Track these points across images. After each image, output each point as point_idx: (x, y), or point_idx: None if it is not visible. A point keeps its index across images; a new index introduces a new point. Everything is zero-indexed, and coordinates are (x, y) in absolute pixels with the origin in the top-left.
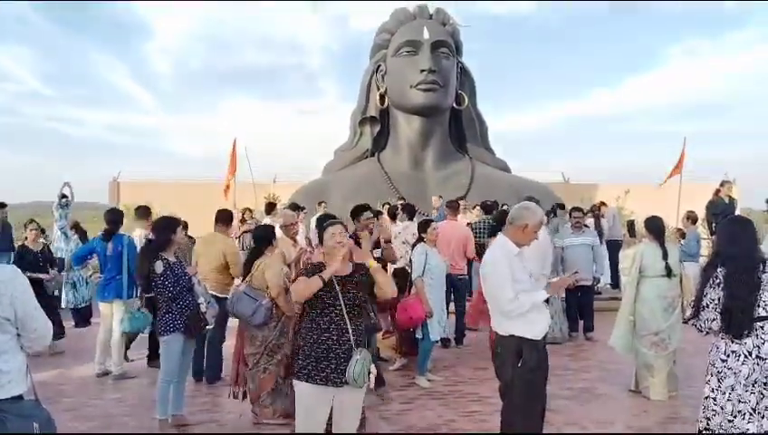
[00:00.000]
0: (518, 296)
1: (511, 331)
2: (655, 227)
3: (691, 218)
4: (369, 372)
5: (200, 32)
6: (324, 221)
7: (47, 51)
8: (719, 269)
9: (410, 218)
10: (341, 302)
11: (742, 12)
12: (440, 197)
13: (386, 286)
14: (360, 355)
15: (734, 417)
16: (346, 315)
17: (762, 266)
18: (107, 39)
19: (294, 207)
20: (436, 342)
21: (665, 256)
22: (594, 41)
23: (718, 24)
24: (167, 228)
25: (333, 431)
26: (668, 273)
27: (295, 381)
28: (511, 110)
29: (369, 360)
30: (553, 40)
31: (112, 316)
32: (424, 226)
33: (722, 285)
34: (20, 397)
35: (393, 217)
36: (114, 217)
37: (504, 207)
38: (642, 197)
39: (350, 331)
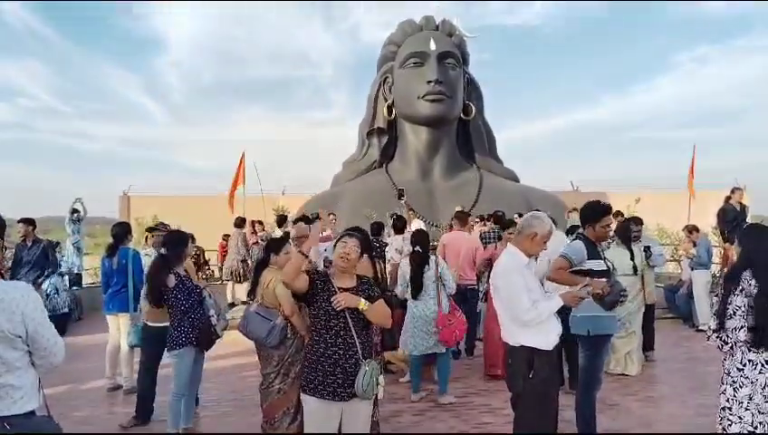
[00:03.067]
0: (536, 305)
1: (522, 341)
2: (623, 234)
3: (689, 229)
4: (378, 383)
5: (212, 45)
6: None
7: (61, 66)
8: (746, 276)
9: (400, 232)
10: (346, 314)
11: (751, 17)
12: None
13: (381, 322)
14: (368, 367)
15: (756, 428)
16: (353, 328)
17: None
18: (120, 54)
19: (306, 219)
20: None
21: (632, 257)
22: (604, 49)
23: (728, 31)
24: (179, 242)
25: None
26: (634, 271)
27: (303, 396)
28: (521, 118)
29: (377, 370)
30: (563, 49)
31: (119, 330)
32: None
33: (749, 294)
34: (32, 412)
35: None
36: (119, 230)
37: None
38: (653, 204)
39: (358, 344)
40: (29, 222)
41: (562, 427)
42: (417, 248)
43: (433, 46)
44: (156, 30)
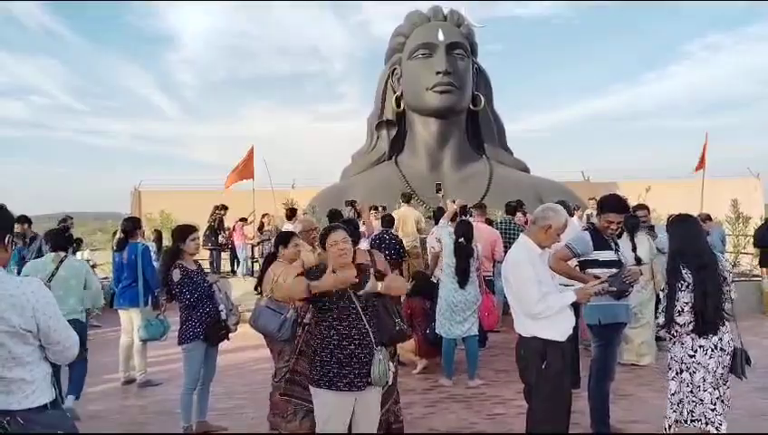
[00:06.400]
0: (546, 298)
1: (534, 333)
2: (629, 225)
3: (702, 218)
4: (389, 369)
5: (224, 41)
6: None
7: (74, 64)
8: (684, 271)
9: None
10: (357, 305)
11: (763, 5)
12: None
13: (399, 289)
14: (381, 355)
15: (715, 405)
16: (364, 318)
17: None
18: (134, 51)
19: (337, 213)
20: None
21: (634, 248)
22: (614, 39)
23: (739, 18)
24: (178, 237)
25: (353, 432)
26: (638, 262)
27: (315, 390)
28: (533, 109)
29: (388, 357)
30: (575, 39)
31: (131, 324)
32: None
33: (691, 287)
34: (45, 407)
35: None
36: (129, 225)
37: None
38: (664, 193)
39: (371, 332)
40: (24, 220)
41: (575, 418)
42: (462, 240)
43: (441, 37)
44: (169, 27)
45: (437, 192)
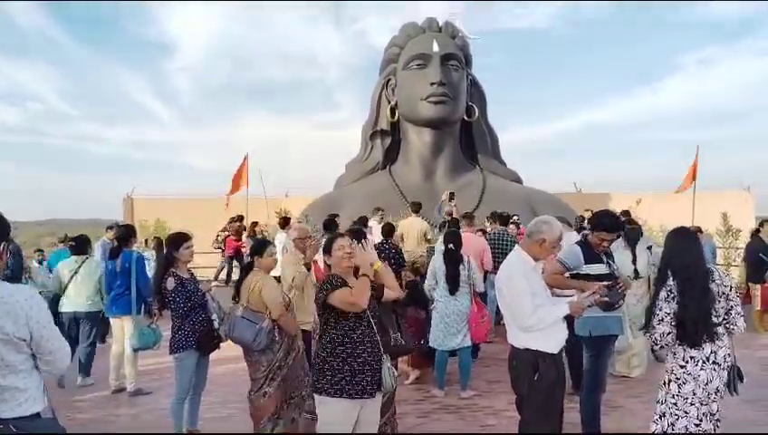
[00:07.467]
0: (539, 310)
1: (527, 344)
2: (632, 237)
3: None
4: (395, 376)
5: (220, 49)
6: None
7: (70, 69)
8: (671, 282)
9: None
10: (368, 314)
11: (758, 19)
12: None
13: (393, 285)
14: (388, 363)
15: (701, 420)
16: (374, 326)
17: (710, 277)
18: (130, 57)
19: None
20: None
21: (634, 261)
22: (610, 51)
23: (734, 32)
24: (171, 245)
25: None
26: (636, 275)
27: (325, 399)
28: (527, 119)
29: (391, 364)
30: (570, 51)
31: (123, 332)
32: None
33: (676, 298)
34: (37, 415)
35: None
36: (122, 233)
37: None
38: (656, 206)
39: (380, 341)
40: None
41: (567, 429)
42: (451, 246)
43: (436, 48)
44: (166, 33)
45: (450, 200)
